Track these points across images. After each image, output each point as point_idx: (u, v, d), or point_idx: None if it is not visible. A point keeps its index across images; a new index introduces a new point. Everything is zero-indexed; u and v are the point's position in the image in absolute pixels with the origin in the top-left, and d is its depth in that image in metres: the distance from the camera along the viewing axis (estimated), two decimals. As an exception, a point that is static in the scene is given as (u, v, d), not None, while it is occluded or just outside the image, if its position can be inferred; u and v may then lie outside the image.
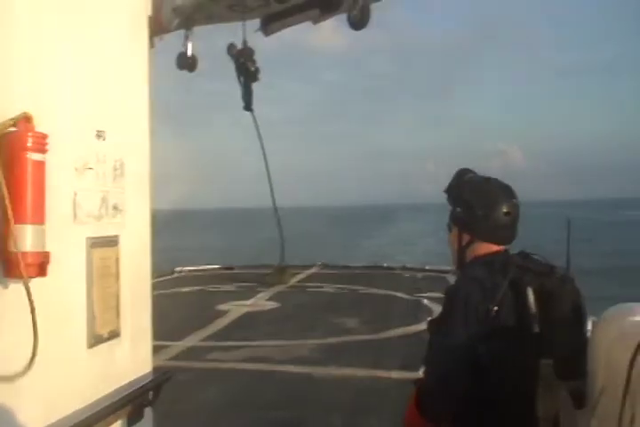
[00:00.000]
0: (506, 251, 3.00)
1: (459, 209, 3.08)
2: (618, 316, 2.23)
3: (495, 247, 2.98)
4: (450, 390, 2.69)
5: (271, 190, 18.28)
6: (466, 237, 3.06)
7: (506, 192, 3.03)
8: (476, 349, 2.67)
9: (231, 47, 17.53)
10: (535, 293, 2.75)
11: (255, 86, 17.89)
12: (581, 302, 2.84)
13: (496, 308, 2.70)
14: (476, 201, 3.01)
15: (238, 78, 17.80)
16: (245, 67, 17.58)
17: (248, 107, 18.13)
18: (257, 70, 17.80)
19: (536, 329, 2.70)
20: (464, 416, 2.73)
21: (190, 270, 21.88)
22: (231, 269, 21.56)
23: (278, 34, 16.71)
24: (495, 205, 2.96)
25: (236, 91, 17.79)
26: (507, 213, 2.95)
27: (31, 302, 2.29)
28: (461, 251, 3.09)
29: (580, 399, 2.61)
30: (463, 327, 2.69)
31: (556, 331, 2.71)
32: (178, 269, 21.37)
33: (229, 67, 17.43)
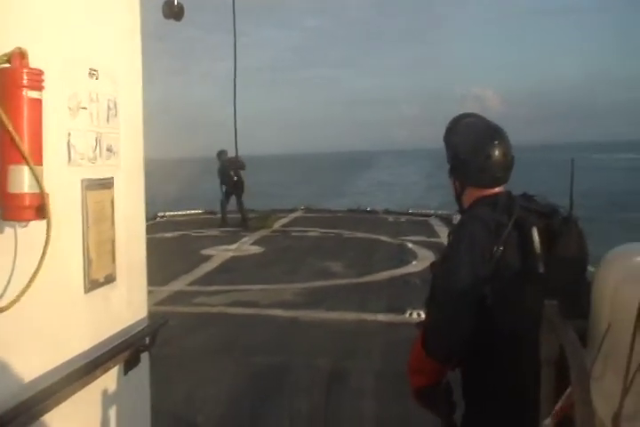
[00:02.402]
0: (508, 192, 2.98)
1: (449, 156, 3.06)
2: (625, 255, 2.21)
3: (489, 191, 2.95)
4: (458, 329, 2.69)
5: (235, 137, 17.93)
6: (458, 183, 3.06)
7: (490, 135, 2.97)
8: (481, 289, 2.66)
9: None
10: (539, 233, 2.73)
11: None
12: (585, 243, 2.83)
13: (501, 248, 2.69)
14: (459, 147, 3.00)
15: None
16: None
17: None
18: None
19: (541, 269, 2.69)
20: (471, 356, 2.73)
21: (172, 215, 21.84)
22: (214, 213, 21.54)
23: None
24: (477, 149, 2.93)
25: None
26: (488, 157, 2.90)
27: (47, 243, 2.27)
28: (458, 197, 3.09)
29: (586, 337, 2.62)
30: (469, 267, 2.67)
31: (561, 271, 2.70)
32: (160, 213, 21.31)
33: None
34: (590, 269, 2.76)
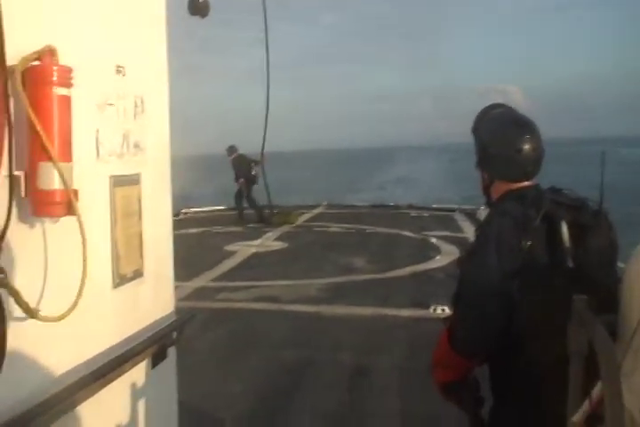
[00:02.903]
0: (537, 185, 2.95)
1: (478, 148, 3.04)
2: None
3: (517, 184, 2.93)
4: (486, 326, 2.67)
5: (264, 135, 17.56)
6: (486, 176, 3.04)
7: (519, 128, 2.95)
8: (509, 283, 2.64)
9: None
10: (569, 227, 2.71)
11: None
12: (615, 237, 2.81)
13: (529, 242, 2.67)
14: (488, 140, 2.98)
15: None
16: None
17: None
18: None
19: (570, 264, 2.67)
20: (498, 351, 2.72)
21: (196, 212, 21.92)
22: (235, 210, 21.58)
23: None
24: (506, 143, 2.91)
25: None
26: (518, 151, 2.88)
27: (84, 238, 2.29)
28: (486, 189, 3.07)
29: (616, 333, 2.60)
30: (497, 262, 2.66)
31: (590, 265, 2.68)
32: (184, 210, 21.39)
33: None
34: (620, 264, 2.74)
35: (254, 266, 12.91)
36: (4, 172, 2.01)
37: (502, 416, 2.84)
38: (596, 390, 2.13)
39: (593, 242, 2.71)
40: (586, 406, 2.18)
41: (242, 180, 19.50)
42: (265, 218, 18.95)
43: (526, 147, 2.88)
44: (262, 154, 17.02)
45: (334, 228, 18.33)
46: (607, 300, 2.35)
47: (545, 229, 2.71)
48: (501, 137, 2.93)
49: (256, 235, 16.97)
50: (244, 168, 19.34)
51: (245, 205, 19.95)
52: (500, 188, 2.97)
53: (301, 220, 20.03)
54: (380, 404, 6.01)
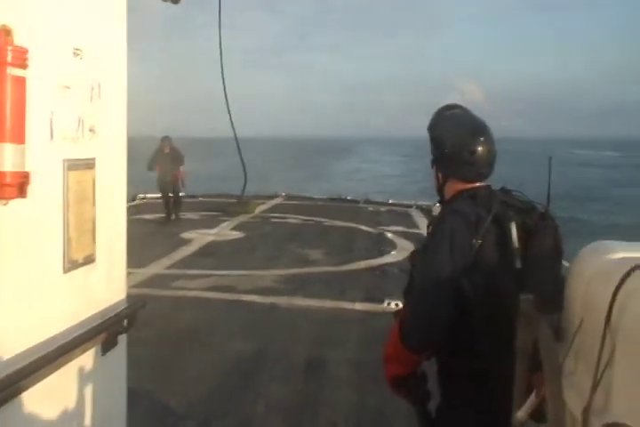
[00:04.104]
0: (488, 186, 3.00)
1: (433, 147, 3.07)
2: (597, 251, 2.24)
3: (470, 184, 2.98)
4: (436, 320, 2.70)
5: (230, 119, 17.06)
6: (440, 175, 3.07)
7: (475, 130, 3.00)
8: (459, 281, 2.68)
9: None
10: (517, 228, 2.76)
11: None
12: (560, 239, 2.86)
13: (480, 241, 2.71)
14: (445, 140, 3.02)
15: None
16: None
17: None
18: None
19: (518, 264, 2.72)
20: (447, 346, 2.75)
21: (153, 197, 21.70)
22: (194, 197, 21.45)
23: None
24: (462, 144, 2.95)
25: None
26: (472, 153, 2.93)
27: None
28: (439, 188, 3.10)
29: (559, 332, 2.65)
30: (448, 259, 2.69)
31: (537, 266, 2.73)
32: (140, 195, 21.18)
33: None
34: (565, 264, 2.80)
35: (210, 254, 12.86)
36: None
37: (450, 412, 2.88)
38: (539, 388, 2.17)
39: (540, 244, 2.77)
40: (530, 402, 2.22)
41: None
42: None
43: (481, 149, 2.94)
44: (237, 141, 16.46)
45: (292, 219, 18.34)
46: (552, 300, 2.39)
47: (495, 230, 2.76)
48: (457, 139, 2.97)
49: (213, 223, 16.91)
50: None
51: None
52: (453, 187, 3.01)
53: (259, 210, 20.00)
54: (331, 395, 6.03)
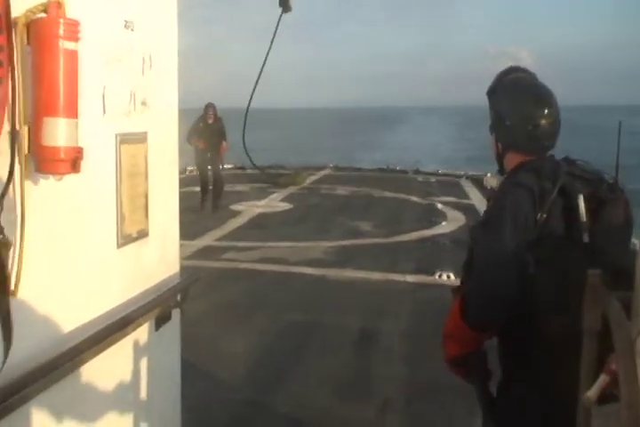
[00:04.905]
0: (552, 156, 2.86)
1: (493, 115, 2.94)
2: None
3: (532, 156, 2.84)
4: (501, 298, 2.60)
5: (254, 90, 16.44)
6: (500, 145, 2.94)
7: (538, 102, 2.84)
8: (524, 256, 2.57)
9: None
10: (585, 201, 2.63)
11: None
12: (631, 212, 2.73)
13: (545, 215, 2.59)
14: (505, 111, 2.86)
15: None
16: None
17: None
18: None
19: (586, 238, 2.60)
20: (510, 324, 2.66)
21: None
22: (243, 169, 21.49)
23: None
24: (524, 117, 2.79)
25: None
26: (536, 126, 2.78)
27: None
28: (499, 157, 2.98)
29: (631, 309, 2.54)
30: (512, 235, 2.58)
31: (606, 240, 2.61)
32: (190, 168, 21.31)
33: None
34: (634, 239, 2.68)
35: (260, 226, 12.89)
36: (7, 127, 1.95)
37: (513, 390, 2.80)
38: (611, 367, 2.09)
39: (609, 217, 2.64)
40: (601, 381, 2.14)
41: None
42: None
43: (545, 122, 2.79)
44: (247, 112, 16.32)
45: (341, 190, 18.29)
46: (622, 275, 2.29)
47: (561, 203, 2.63)
48: (520, 110, 2.81)
49: (262, 195, 16.94)
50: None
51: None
52: (514, 159, 2.87)
53: (308, 181, 19.98)
54: (383, 368, 6.01)
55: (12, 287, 2.03)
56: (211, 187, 14.77)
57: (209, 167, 14.74)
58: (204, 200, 14.55)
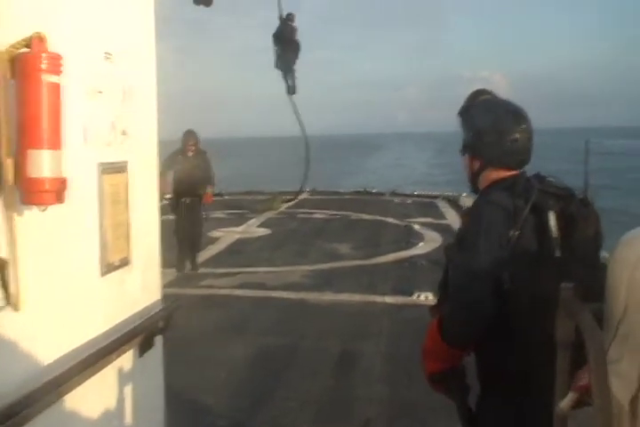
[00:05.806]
0: (523, 173, 2.95)
1: (469, 134, 3.02)
2: None
3: (508, 172, 2.94)
4: (478, 314, 2.67)
5: (300, 121, 17.87)
6: (477, 163, 3.02)
7: (515, 117, 2.96)
8: (499, 273, 2.65)
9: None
10: (557, 217, 2.72)
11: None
12: (600, 227, 2.82)
13: (518, 232, 2.67)
14: (483, 129, 2.96)
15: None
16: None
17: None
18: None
19: (558, 253, 2.68)
20: (487, 339, 2.72)
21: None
22: (220, 195, 21.49)
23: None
24: (503, 132, 2.90)
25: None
26: (515, 140, 2.89)
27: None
28: (474, 176, 3.06)
29: (602, 320, 2.62)
30: (487, 252, 2.66)
31: (578, 254, 2.70)
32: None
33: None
34: (604, 252, 2.76)
35: (238, 252, 12.89)
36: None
37: (491, 405, 2.86)
38: (584, 378, 2.15)
39: (580, 231, 2.73)
40: (573, 393, 2.20)
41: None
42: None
43: (522, 136, 2.90)
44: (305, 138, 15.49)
45: (318, 214, 18.35)
46: (594, 288, 2.37)
47: (533, 220, 2.72)
48: (499, 126, 2.92)
49: (239, 221, 16.95)
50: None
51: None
52: (490, 176, 2.96)
53: (284, 206, 20.01)
54: (364, 390, 6.03)
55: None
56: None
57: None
58: (181, 259, 11.15)
